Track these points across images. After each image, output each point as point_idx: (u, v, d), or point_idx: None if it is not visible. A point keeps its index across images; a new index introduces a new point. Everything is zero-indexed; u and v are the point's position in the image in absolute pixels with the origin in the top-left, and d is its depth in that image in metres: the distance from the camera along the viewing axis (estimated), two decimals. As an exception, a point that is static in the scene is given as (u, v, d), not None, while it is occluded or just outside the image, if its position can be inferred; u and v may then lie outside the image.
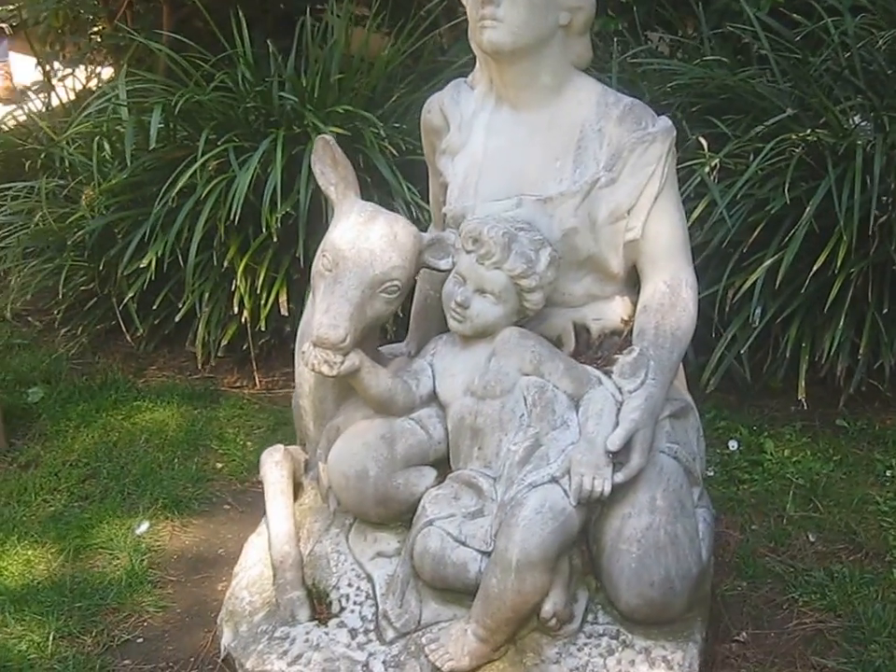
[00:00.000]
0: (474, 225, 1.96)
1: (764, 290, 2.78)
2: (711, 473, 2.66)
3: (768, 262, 2.75)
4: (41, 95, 4.51)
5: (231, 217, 3.04)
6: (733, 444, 2.76)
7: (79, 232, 3.38)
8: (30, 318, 3.87)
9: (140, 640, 2.19)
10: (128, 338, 3.49)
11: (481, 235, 1.94)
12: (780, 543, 2.42)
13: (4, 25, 5.28)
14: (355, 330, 1.91)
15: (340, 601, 2.02)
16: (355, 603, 2.01)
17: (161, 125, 3.31)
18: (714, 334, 2.85)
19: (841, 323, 2.73)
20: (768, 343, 2.88)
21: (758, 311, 2.81)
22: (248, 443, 2.98)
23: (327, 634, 1.97)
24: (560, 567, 1.85)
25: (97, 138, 3.45)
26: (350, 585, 2.04)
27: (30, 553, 2.44)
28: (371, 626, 1.97)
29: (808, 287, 2.75)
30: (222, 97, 3.39)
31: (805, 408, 2.86)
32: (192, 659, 2.12)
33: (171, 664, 2.12)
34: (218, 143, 3.25)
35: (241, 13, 3.55)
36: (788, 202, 2.72)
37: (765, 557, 2.36)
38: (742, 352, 2.84)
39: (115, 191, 3.38)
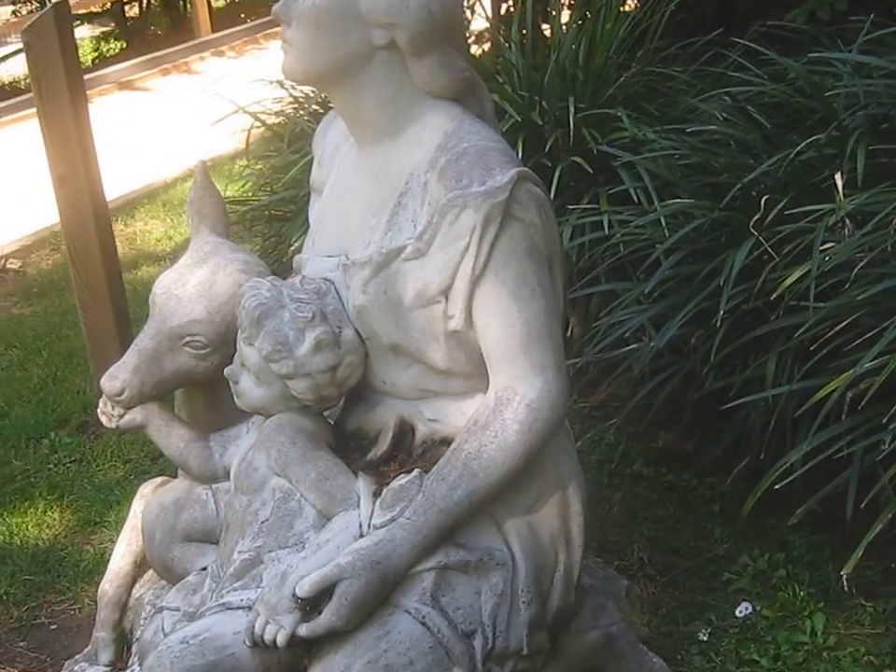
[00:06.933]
0: (244, 288, 1.69)
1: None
2: (704, 638, 1.98)
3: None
4: None
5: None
6: (745, 608, 1.99)
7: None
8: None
9: (53, 627, 2.32)
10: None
11: (241, 302, 1.66)
12: None
13: None
14: (140, 384, 1.80)
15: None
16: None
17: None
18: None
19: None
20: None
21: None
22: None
23: (103, 684, 1.94)
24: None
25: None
26: (148, 642, 1.96)
27: (54, 516, 2.68)
28: (135, 692, 1.88)
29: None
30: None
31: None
32: (65, 661, 2.20)
33: (51, 659, 2.23)
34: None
35: None
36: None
37: None
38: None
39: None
